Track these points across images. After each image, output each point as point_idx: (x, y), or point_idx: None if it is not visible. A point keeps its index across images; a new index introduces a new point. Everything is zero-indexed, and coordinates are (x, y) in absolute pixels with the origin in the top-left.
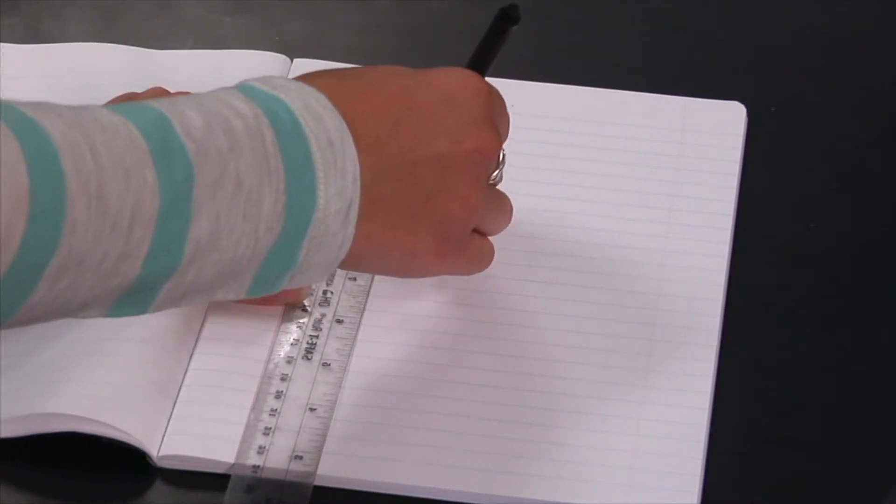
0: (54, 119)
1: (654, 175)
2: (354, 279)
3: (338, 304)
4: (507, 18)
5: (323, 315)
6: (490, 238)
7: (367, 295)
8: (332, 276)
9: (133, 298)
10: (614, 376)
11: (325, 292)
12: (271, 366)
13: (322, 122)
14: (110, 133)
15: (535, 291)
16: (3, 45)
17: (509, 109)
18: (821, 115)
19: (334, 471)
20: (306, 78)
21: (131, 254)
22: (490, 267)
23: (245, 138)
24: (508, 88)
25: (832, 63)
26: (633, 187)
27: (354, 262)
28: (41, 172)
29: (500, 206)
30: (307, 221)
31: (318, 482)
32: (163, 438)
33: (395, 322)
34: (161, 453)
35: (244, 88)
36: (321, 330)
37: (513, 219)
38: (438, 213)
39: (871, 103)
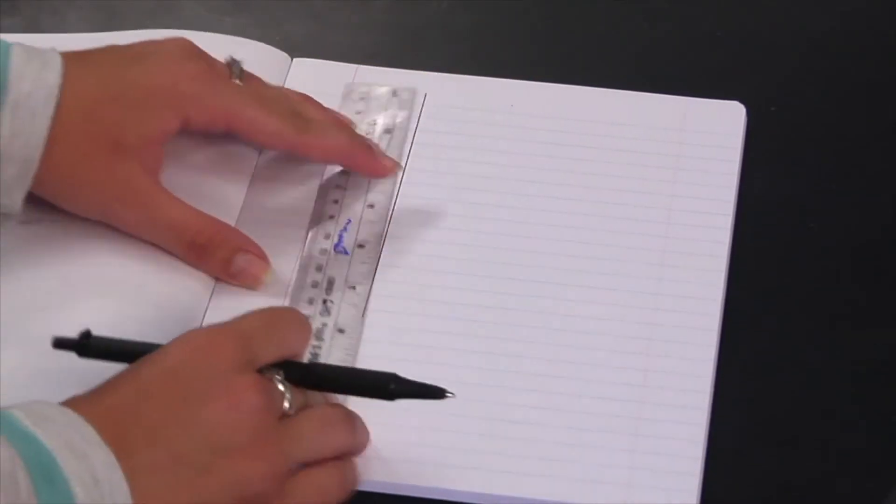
0: None
1: (653, 175)
2: (353, 287)
3: (339, 313)
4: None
5: (324, 325)
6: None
7: (367, 302)
8: (332, 285)
9: None
10: (614, 376)
11: (325, 301)
12: None
13: (86, 460)
14: None
15: (534, 291)
16: (3, 35)
17: (509, 109)
18: (821, 115)
19: None
20: (73, 402)
21: None
22: (488, 266)
23: None
24: (508, 88)
25: (832, 63)
26: (633, 187)
27: None
28: None
29: (309, 426)
30: None
31: None
32: None
33: (396, 326)
34: None
35: (5, 422)
36: (323, 339)
37: (511, 219)
38: (223, 482)
39: (871, 103)
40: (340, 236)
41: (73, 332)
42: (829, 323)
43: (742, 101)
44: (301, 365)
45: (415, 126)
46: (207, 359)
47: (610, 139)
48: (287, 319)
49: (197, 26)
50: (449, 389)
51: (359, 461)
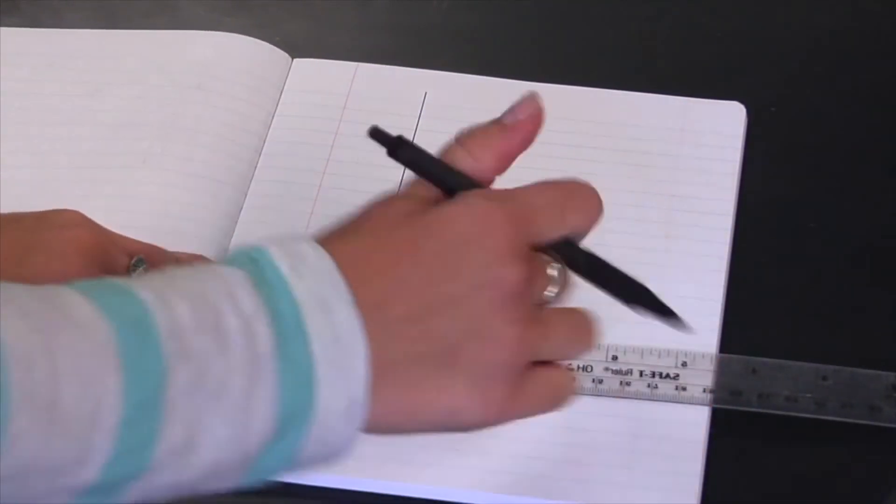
0: (15, 320)
1: (654, 175)
2: None
3: None
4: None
5: None
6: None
7: None
8: None
9: (96, 498)
10: None
11: None
12: None
13: (331, 317)
14: (77, 335)
15: None
16: (3, 28)
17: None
18: (821, 115)
19: (335, 471)
20: (329, 242)
21: (90, 460)
22: None
23: (238, 338)
24: (509, 88)
25: (832, 63)
26: (633, 187)
27: (384, 433)
28: None
29: (562, 327)
30: (305, 423)
31: (318, 482)
32: None
33: None
34: None
35: (258, 270)
36: None
37: None
38: (473, 362)
39: (871, 104)
40: None
41: None
42: (828, 323)
43: (742, 101)
44: (579, 251)
45: (415, 125)
46: (484, 239)
47: (610, 139)
48: (581, 196)
49: (197, 27)
50: (688, 325)
51: (359, 462)
